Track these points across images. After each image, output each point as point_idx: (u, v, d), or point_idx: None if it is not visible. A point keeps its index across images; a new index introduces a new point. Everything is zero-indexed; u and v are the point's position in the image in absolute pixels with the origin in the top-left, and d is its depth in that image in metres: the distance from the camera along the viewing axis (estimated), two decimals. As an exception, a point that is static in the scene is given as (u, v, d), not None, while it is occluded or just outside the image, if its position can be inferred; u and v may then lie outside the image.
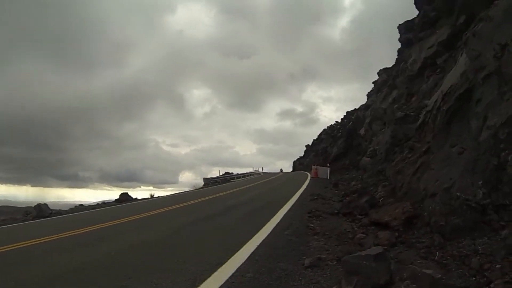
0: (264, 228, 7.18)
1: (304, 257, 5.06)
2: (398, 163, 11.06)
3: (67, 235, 7.47)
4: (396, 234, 6.51)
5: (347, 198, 11.47)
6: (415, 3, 24.43)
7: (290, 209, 9.45)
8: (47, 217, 12.43)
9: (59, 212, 14.04)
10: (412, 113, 15.86)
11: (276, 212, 8.99)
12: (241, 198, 13.80)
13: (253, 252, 5.39)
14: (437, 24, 20.85)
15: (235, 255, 5.24)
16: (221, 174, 38.29)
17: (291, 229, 7.03)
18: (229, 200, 13.21)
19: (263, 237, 6.38)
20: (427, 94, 16.54)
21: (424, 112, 13.08)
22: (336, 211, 8.87)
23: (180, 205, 12.77)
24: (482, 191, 6.19)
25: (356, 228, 7.18)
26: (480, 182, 6.28)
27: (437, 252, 5.53)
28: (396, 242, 6.13)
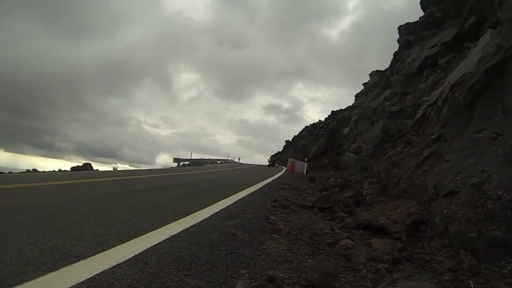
0: (201, 211, 4.62)
1: (244, 272, 2.56)
2: (393, 157, 8.69)
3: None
4: (399, 244, 4.07)
5: (325, 192, 9.01)
6: (420, 3, 22.43)
7: (250, 194, 6.90)
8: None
9: (1, 173, 13.45)
10: (408, 109, 13.66)
11: (229, 195, 6.43)
12: (197, 178, 11.23)
13: (154, 247, 2.94)
14: (442, 26, 19.02)
15: (118, 247, 2.91)
16: (194, 157, 36.32)
17: (241, 219, 4.43)
18: (183, 178, 10.64)
19: (190, 224, 3.84)
20: (426, 92, 14.46)
21: (424, 106, 10.98)
22: (310, 204, 6.31)
23: (132, 176, 10.28)
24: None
25: (337, 230, 4.69)
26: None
27: (471, 282, 3.11)
28: (399, 258, 3.69)
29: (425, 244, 4.34)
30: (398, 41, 24.99)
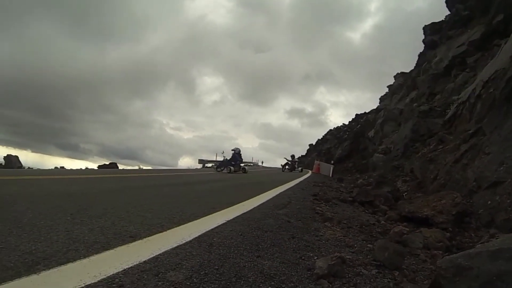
0: (247, 201, 4.77)
1: (312, 255, 2.60)
2: (427, 154, 8.63)
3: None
4: (448, 234, 4.10)
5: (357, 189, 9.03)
6: (446, 2, 22.13)
7: (288, 189, 7.01)
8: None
9: (30, 169, 13.11)
10: (437, 108, 13.49)
11: (268, 190, 6.56)
12: (229, 176, 11.47)
13: (213, 230, 2.95)
14: (469, 24, 18.71)
15: (174, 229, 2.87)
16: (219, 160, 36.41)
17: (289, 208, 4.58)
18: (215, 176, 10.89)
19: (242, 211, 3.96)
20: (455, 91, 14.26)
21: (455, 105, 10.85)
22: (350, 198, 6.39)
23: (163, 174, 10.51)
24: None
25: (383, 222, 4.76)
26: None
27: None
28: (450, 246, 3.72)
29: (473, 234, 4.35)
30: (423, 41, 24.68)
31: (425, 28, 24.59)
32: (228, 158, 16.91)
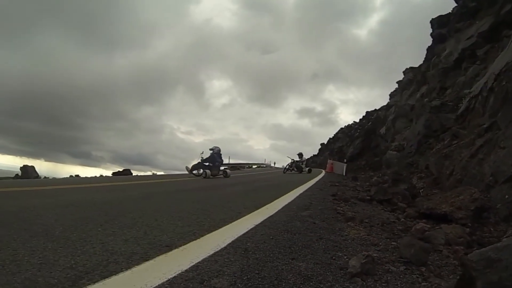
0: (270, 204, 4.97)
1: (341, 254, 2.73)
2: (442, 150, 8.70)
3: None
4: (467, 229, 4.22)
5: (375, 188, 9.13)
6: (453, -6, 21.95)
7: (306, 190, 7.18)
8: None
9: (46, 178, 13.42)
10: (449, 103, 13.48)
11: (288, 192, 6.74)
12: (247, 179, 11.67)
13: (245, 235, 3.08)
14: (477, 16, 18.59)
15: (207, 236, 2.96)
16: (232, 163, 36.88)
17: (312, 210, 4.75)
18: (232, 179, 11.09)
19: (268, 215, 4.12)
20: (466, 85, 14.20)
21: (467, 99, 10.86)
22: (368, 197, 6.55)
23: (180, 179, 10.62)
24: None
25: (402, 219, 4.89)
26: None
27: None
28: (471, 241, 3.84)
29: (492, 229, 4.44)
30: (431, 35, 24.48)
31: (433, 22, 24.42)
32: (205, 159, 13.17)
